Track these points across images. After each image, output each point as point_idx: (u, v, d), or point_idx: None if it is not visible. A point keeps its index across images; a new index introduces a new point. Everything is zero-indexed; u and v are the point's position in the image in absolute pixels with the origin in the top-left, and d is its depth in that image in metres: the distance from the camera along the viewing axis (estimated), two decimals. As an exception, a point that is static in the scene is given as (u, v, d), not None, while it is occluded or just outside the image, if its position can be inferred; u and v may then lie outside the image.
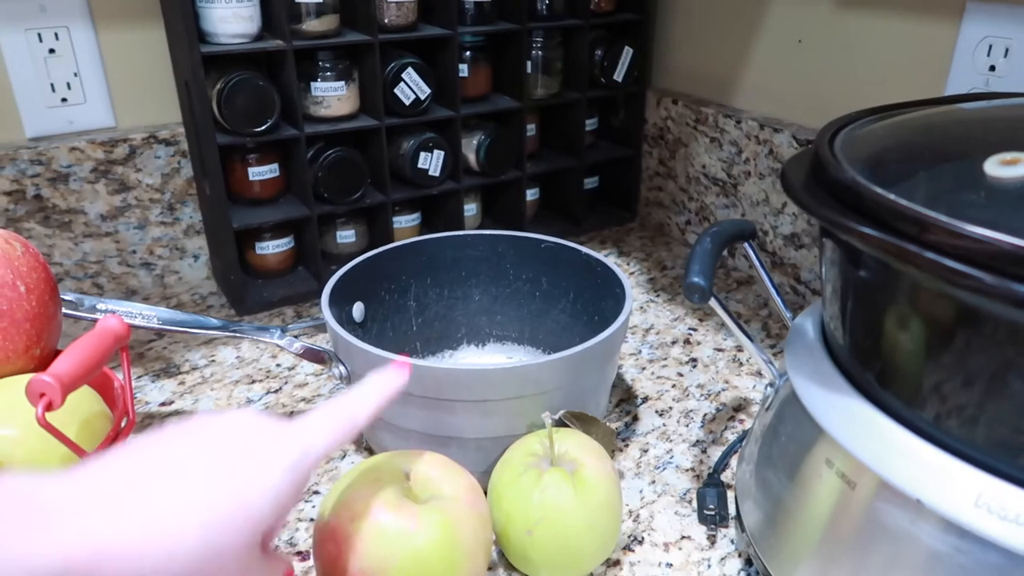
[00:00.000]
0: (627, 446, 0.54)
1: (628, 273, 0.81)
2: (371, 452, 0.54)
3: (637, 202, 0.95)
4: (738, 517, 0.45)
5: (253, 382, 0.62)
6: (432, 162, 0.78)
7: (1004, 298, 0.28)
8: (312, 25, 0.71)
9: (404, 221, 0.82)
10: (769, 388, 0.46)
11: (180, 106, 0.76)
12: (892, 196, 0.32)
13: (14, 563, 0.24)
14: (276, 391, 0.61)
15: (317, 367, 0.63)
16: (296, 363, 0.64)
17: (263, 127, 0.69)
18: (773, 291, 0.49)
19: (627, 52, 0.85)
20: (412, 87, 0.74)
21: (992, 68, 0.60)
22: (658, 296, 0.76)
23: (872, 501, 0.36)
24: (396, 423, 0.49)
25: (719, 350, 0.66)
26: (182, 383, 0.62)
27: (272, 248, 0.77)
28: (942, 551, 0.33)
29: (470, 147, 0.81)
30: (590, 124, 0.90)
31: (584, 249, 0.59)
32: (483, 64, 0.80)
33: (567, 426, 0.48)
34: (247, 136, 0.69)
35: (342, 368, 0.51)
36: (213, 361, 0.65)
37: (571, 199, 0.91)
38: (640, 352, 0.65)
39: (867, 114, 0.45)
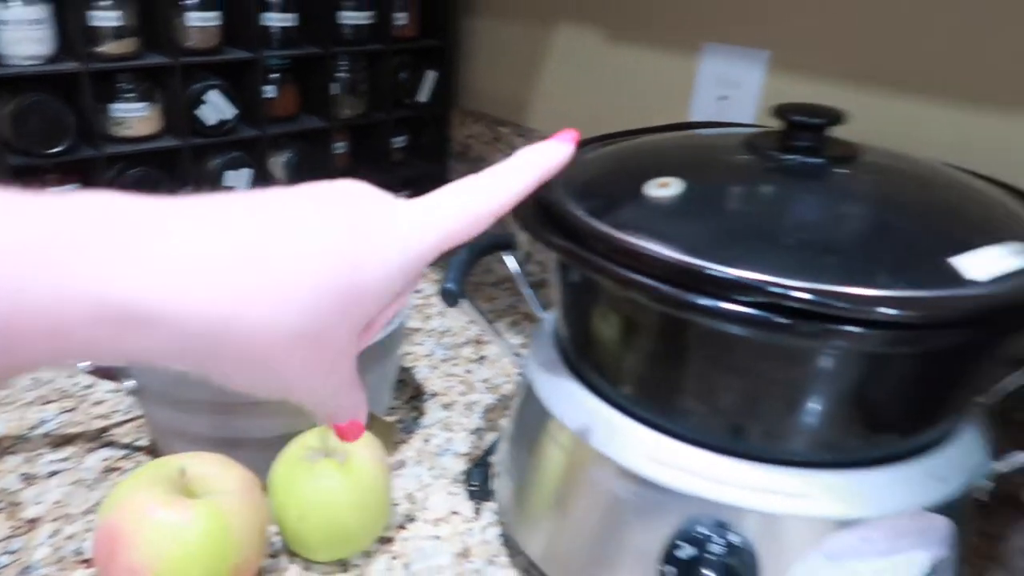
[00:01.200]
0: (411, 437, 0.60)
1: (433, 281, 0.87)
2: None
3: (451, 214, 1.02)
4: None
5: (47, 402, 0.62)
6: (239, 180, 0.81)
7: (648, 294, 0.36)
8: (111, 47, 0.72)
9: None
10: (519, 377, 0.53)
11: (-31, 126, 0.74)
12: (579, 213, 0.39)
13: (68, 287, 0.20)
14: (71, 410, 0.62)
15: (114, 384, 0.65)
16: (93, 381, 0.65)
17: (57, 148, 0.70)
18: (527, 293, 0.56)
19: (430, 75, 0.92)
20: (215, 108, 0.77)
21: (724, 97, 0.71)
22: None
23: (584, 465, 0.43)
24: (186, 430, 0.52)
25: (510, 348, 0.73)
26: (-28, 407, 0.61)
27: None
28: (625, 497, 0.40)
29: (278, 165, 0.85)
30: (399, 142, 0.96)
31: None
32: (291, 85, 0.84)
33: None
34: (41, 157, 0.69)
35: (133, 382, 0.54)
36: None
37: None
38: (433, 353, 0.71)
39: (599, 139, 0.53)
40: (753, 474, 0.38)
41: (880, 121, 0.59)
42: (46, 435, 0.59)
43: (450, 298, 0.47)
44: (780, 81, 0.66)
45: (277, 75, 0.82)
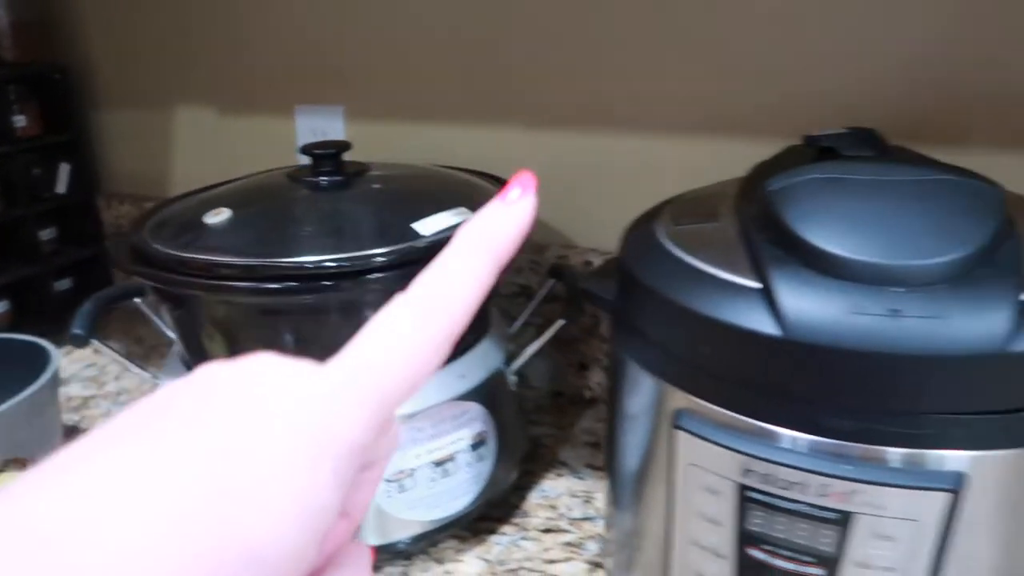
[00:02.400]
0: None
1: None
2: None
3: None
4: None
5: None
6: None
7: (196, 288, 0.49)
8: None
9: None
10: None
11: None
12: (155, 245, 0.51)
13: None
14: None
15: None
16: None
17: None
18: (157, 326, 0.66)
19: (63, 168, 0.97)
20: None
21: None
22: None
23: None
24: None
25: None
26: None
27: None
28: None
29: (-87, 275, 0.86)
30: (48, 234, 1.00)
31: (28, 338, 0.71)
32: (-91, 197, 0.85)
33: (13, 469, 0.59)
34: None
35: None
36: None
37: (45, 303, 0.99)
38: (110, 411, 0.78)
39: (196, 191, 0.65)
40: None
41: (417, 144, 0.79)
42: None
43: (79, 341, 0.57)
44: (355, 127, 0.84)
45: None
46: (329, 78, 0.84)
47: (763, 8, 0.62)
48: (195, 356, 0.56)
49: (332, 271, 0.48)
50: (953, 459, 0.33)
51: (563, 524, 0.62)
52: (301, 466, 0.16)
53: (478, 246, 0.20)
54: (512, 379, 0.62)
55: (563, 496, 0.65)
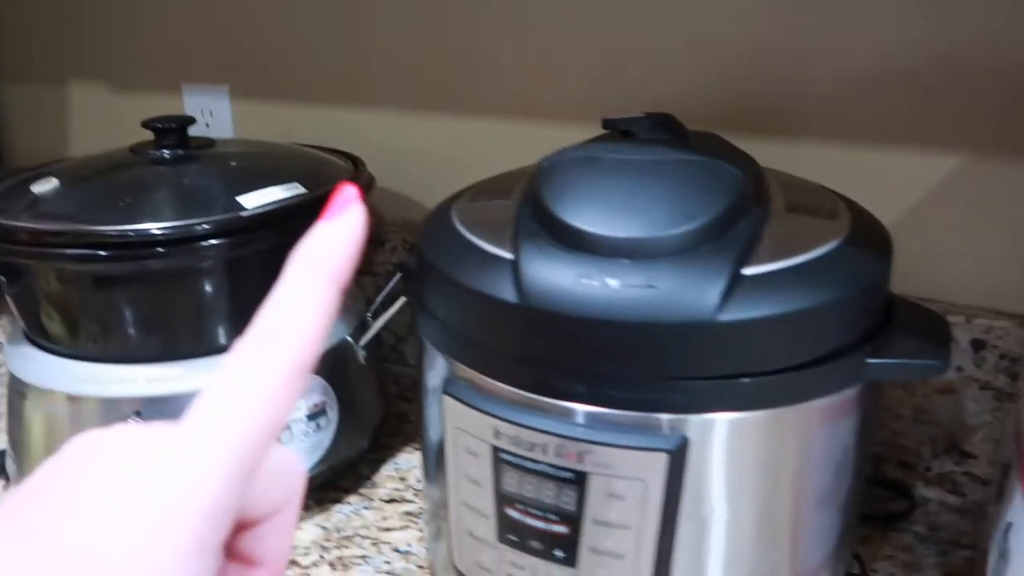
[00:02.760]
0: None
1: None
2: None
3: None
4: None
5: None
6: None
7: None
8: None
9: None
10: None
11: None
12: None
13: None
14: None
15: None
16: None
17: None
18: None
19: (-43, 141, 0.97)
20: None
21: (208, 123, 0.88)
22: None
23: (44, 408, 0.55)
24: None
25: None
26: None
27: None
28: (69, 415, 0.54)
29: None
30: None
31: None
32: None
33: None
34: None
35: None
36: None
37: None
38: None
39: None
40: (151, 372, 0.54)
41: (300, 124, 0.80)
42: None
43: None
44: (242, 106, 0.85)
45: None
46: (215, 57, 0.84)
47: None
48: (34, 331, 0.57)
49: (153, 239, 0.49)
50: (674, 422, 0.36)
51: (408, 495, 0.63)
52: (160, 537, 0.16)
53: (310, 271, 0.19)
54: (361, 353, 0.63)
55: (415, 469, 0.67)
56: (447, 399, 0.40)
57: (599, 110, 0.46)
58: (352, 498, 0.63)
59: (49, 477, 0.17)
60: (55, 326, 0.55)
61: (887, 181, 0.58)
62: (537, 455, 0.37)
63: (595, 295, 0.34)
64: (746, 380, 0.35)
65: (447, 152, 0.75)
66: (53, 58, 0.96)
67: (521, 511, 0.39)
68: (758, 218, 0.38)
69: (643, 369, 0.35)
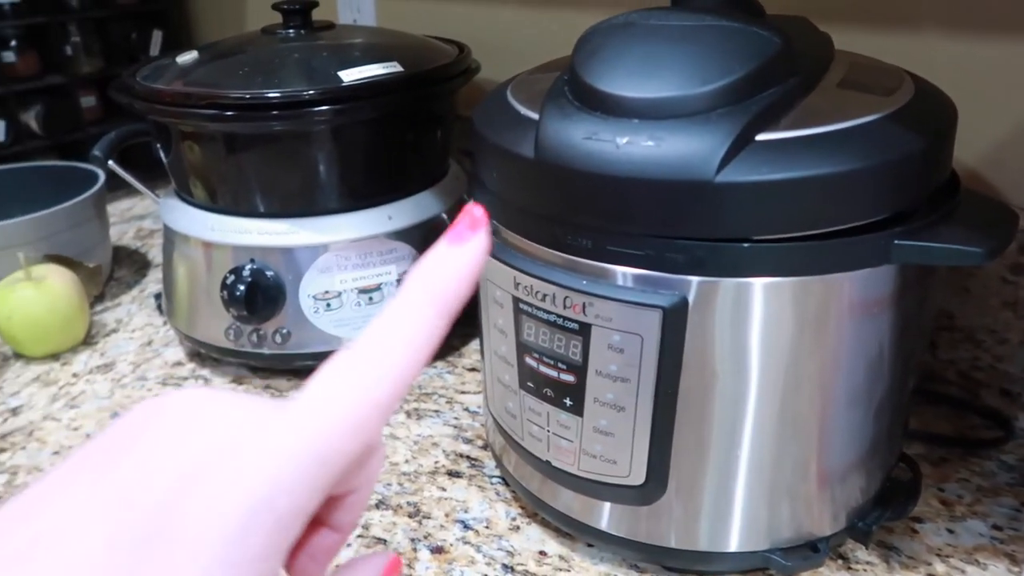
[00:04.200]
0: (134, 285, 0.82)
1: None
2: None
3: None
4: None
5: None
6: (-7, 130, 0.99)
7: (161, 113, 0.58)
8: None
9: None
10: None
11: None
12: (140, 81, 0.61)
13: None
14: None
15: None
16: None
17: None
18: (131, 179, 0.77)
19: (157, 34, 1.11)
20: (-42, 72, 0.95)
21: (355, 18, 0.94)
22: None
23: (184, 250, 0.65)
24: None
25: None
26: None
27: None
28: (201, 258, 0.63)
29: (31, 117, 1.03)
30: (145, 93, 1.15)
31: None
32: (29, 50, 1.02)
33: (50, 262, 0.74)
34: None
35: None
36: None
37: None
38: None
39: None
40: (267, 226, 0.61)
41: (442, 20, 0.84)
42: None
43: (97, 161, 0.69)
44: (385, 2, 0.90)
45: (14, 43, 1.00)
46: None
47: None
48: (181, 188, 0.66)
49: (267, 102, 0.56)
50: (672, 281, 0.37)
51: (489, 366, 0.68)
52: (233, 528, 0.16)
53: (424, 296, 0.19)
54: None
55: (501, 345, 0.71)
56: (480, 253, 0.44)
57: None
58: (438, 363, 0.69)
59: (131, 436, 0.17)
60: (195, 183, 0.64)
61: (1007, 80, 0.52)
62: (548, 306, 0.40)
63: (600, 151, 0.36)
64: (745, 245, 0.35)
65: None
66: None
67: (536, 359, 0.42)
68: (790, 89, 0.37)
69: (643, 226, 0.36)
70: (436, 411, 0.63)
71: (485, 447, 0.58)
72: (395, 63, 0.60)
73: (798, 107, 0.37)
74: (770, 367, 0.38)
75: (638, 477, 0.41)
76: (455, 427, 0.61)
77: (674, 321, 0.37)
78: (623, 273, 0.37)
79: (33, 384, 0.68)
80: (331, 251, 0.61)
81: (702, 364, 0.38)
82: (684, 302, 0.37)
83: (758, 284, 0.36)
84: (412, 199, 0.65)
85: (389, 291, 0.64)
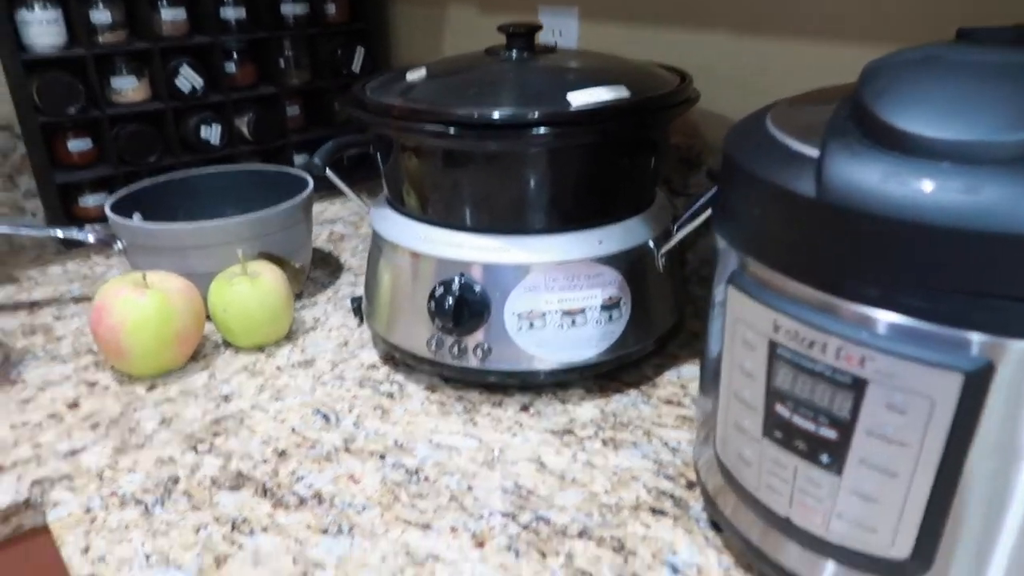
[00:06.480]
0: (328, 286, 0.85)
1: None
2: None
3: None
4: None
5: (72, 281, 0.89)
6: (212, 134, 1.07)
7: (396, 128, 0.60)
8: (107, 37, 0.99)
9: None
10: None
11: (12, 99, 1.02)
12: (370, 96, 0.64)
13: None
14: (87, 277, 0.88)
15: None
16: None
17: (71, 111, 0.96)
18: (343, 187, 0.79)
19: (359, 50, 1.17)
20: (188, 80, 1.03)
21: (556, 40, 0.95)
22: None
23: (391, 258, 0.67)
24: (157, 267, 0.78)
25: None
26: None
27: (92, 202, 1.04)
28: (409, 268, 0.64)
29: (244, 123, 1.11)
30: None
31: (286, 169, 0.90)
32: (248, 62, 1.10)
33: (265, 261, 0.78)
34: (61, 117, 0.96)
35: (120, 244, 0.79)
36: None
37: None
38: (357, 247, 0.97)
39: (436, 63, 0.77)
40: (478, 241, 0.62)
41: (642, 45, 0.83)
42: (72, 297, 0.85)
43: (315, 168, 0.72)
44: (588, 25, 0.90)
45: (235, 54, 1.08)
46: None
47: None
48: (394, 197, 0.68)
49: (491, 122, 0.56)
50: (975, 342, 0.33)
51: (686, 401, 0.66)
52: None
53: None
54: (661, 260, 0.66)
55: (696, 381, 0.68)
56: (731, 290, 0.41)
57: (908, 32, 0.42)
58: (632, 392, 0.67)
59: None
60: (409, 194, 0.65)
61: None
62: (815, 354, 0.37)
63: (903, 196, 0.33)
64: (1077, 309, 0.31)
65: (776, 78, 0.73)
66: (436, -20, 1.10)
67: (790, 409, 0.39)
68: None
69: (949, 280, 0.33)
70: (634, 443, 0.61)
71: (689, 487, 0.55)
72: (623, 87, 0.59)
73: None
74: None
75: (902, 551, 0.37)
76: (655, 462, 0.58)
77: (975, 387, 0.33)
78: (916, 328, 0.34)
79: (242, 373, 0.71)
80: (539, 271, 0.61)
81: (1003, 438, 0.34)
82: (990, 367, 0.33)
83: (1085, 354, 0.32)
84: (621, 224, 0.64)
85: (592, 315, 0.62)
